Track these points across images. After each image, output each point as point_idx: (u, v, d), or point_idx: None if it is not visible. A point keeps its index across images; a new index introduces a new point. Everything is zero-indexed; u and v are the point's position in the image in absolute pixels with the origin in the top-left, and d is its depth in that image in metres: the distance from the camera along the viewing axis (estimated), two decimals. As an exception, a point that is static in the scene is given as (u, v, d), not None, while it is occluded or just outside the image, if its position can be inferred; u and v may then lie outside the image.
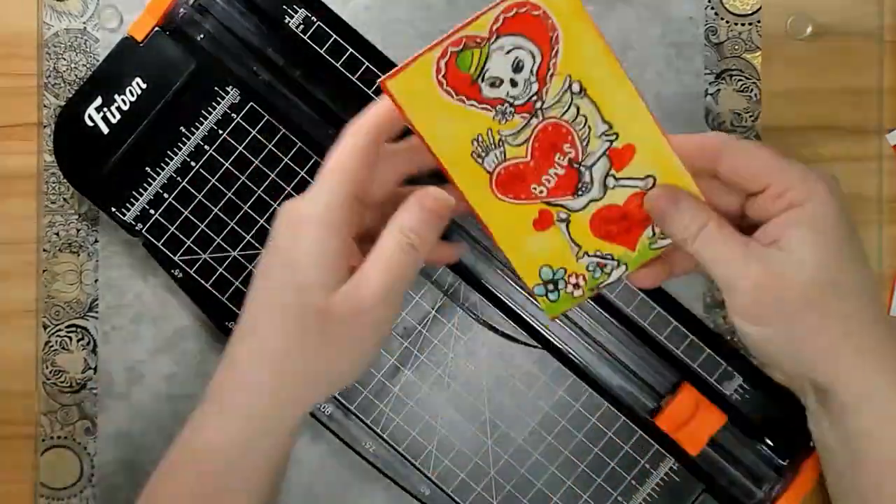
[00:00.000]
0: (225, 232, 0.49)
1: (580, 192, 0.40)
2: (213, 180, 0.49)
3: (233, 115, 0.48)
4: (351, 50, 0.48)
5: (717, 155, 0.40)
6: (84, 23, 0.51)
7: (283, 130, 0.49)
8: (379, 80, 0.38)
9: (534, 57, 0.38)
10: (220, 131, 0.48)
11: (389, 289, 0.38)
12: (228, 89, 0.48)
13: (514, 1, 0.38)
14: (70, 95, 0.50)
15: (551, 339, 0.49)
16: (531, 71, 0.38)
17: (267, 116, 0.48)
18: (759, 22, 0.51)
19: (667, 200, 0.40)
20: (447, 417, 0.49)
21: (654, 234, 0.41)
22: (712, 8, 0.51)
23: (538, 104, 0.39)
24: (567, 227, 0.41)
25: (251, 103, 0.48)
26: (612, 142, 0.40)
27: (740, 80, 0.51)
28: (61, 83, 0.51)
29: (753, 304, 0.38)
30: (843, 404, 0.40)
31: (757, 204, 0.39)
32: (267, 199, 0.49)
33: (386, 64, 0.49)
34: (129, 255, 0.51)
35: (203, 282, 0.48)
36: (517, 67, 0.38)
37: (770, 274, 0.38)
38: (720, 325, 0.51)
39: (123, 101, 0.48)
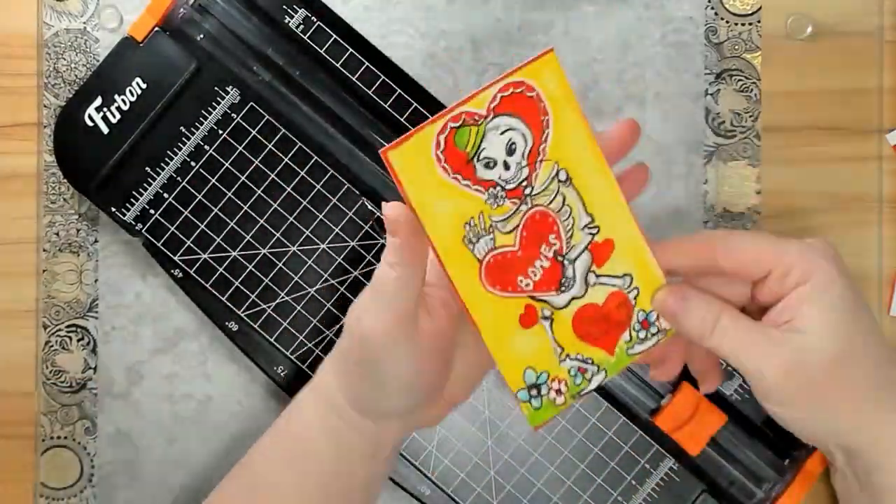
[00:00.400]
0: (225, 232, 0.49)
1: (563, 288, 0.40)
2: (213, 180, 0.49)
3: (233, 115, 0.48)
4: (351, 50, 0.48)
5: (714, 252, 0.40)
6: (84, 23, 0.51)
7: (283, 130, 0.49)
8: (381, 151, 0.37)
9: (525, 140, 0.38)
10: (220, 131, 0.48)
11: (389, 322, 0.39)
12: (228, 89, 0.48)
13: (511, 80, 0.38)
14: (70, 95, 0.50)
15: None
16: (523, 154, 0.38)
17: (267, 116, 0.48)
18: (759, 22, 0.51)
19: (675, 299, 0.40)
20: (447, 417, 0.49)
21: (630, 338, 0.41)
22: (712, 8, 0.51)
23: (527, 190, 0.39)
24: (550, 325, 0.40)
25: (251, 103, 0.48)
26: (593, 235, 0.40)
27: (740, 80, 0.51)
28: (61, 83, 0.51)
29: (782, 390, 0.39)
30: (870, 462, 0.41)
31: (765, 288, 0.40)
32: (267, 199, 0.49)
33: (386, 64, 0.49)
34: (129, 255, 0.51)
35: (203, 282, 0.48)
36: (510, 150, 0.38)
37: (794, 360, 0.39)
38: (720, 325, 0.51)
39: (123, 101, 0.48)
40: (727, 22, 0.51)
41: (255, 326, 0.48)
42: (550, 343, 0.40)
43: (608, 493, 0.49)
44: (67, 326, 0.51)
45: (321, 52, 0.48)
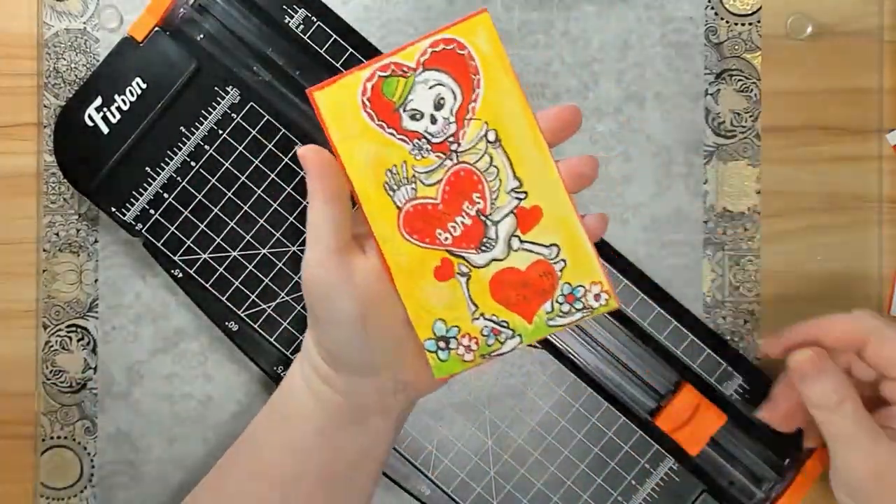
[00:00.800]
0: (225, 232, 0.49)
1: (484, 248, 0.40)
2: (213, 180, 0.49)
3: (233, 115, 0.48)
4: (351, 50, 0.48)
5: (866, 341, 0.43)
6: (84, 23, 0.51)
7: (283, 130, 0.49)
8: (307, 90, 0.38)
9: (455, 96, 0.39)
10: (220, 131, 0.48)
11: (322, 259, 0.40)
12: (228, 89, 0.48)
13: (442, 37, 0.38)
14: (70, 95, 0.50)
15: (551, 340, 0.49)
16: (451, 110, 0.39)
17: (267, 116, 0.48)
18: (759, 22, 0.51)
19: (812, 366, 0.42)
20: (447, 417, 0.49)
21: (552, 309, 0.40)
22: (712, 8, 0.51)
23: (454, 146, 0.39)
24: (467, 282, 0.40)
25: (251, 103, 0.48)
26: (520, 200, 0.40)
27: (740, 80, 0.51)
28: (61, 83, 0.51)
29: (864, 490, 0.41)
30: None
31: (891, 387, 0.43)
32: (267, 199, 0.49)
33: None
34: (129, 255, 0.51)
35: (203, 282, 0.48)
36: (438, 104, 0.39)
37: (890, 469, 0.40)
38: (720, 325, 0.51)
39: (123, 101, 0.48)
40: (727, 22, 0.51)
41: (255, 326, 0.48)
42: (465, 299, 0.40)
43: (608, 493, 0.49)
44: (67, 326, 0.51)
45: (321, 52, 0.48)
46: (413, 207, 0.40)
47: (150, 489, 0.50)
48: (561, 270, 0.40)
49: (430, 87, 0.39)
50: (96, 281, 0.51)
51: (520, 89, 0.39)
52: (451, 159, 0.39)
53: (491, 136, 0.39)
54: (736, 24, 0.51)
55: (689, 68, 0.51)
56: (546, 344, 0.49)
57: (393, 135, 0.39)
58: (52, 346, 0.51)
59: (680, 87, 0.51)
